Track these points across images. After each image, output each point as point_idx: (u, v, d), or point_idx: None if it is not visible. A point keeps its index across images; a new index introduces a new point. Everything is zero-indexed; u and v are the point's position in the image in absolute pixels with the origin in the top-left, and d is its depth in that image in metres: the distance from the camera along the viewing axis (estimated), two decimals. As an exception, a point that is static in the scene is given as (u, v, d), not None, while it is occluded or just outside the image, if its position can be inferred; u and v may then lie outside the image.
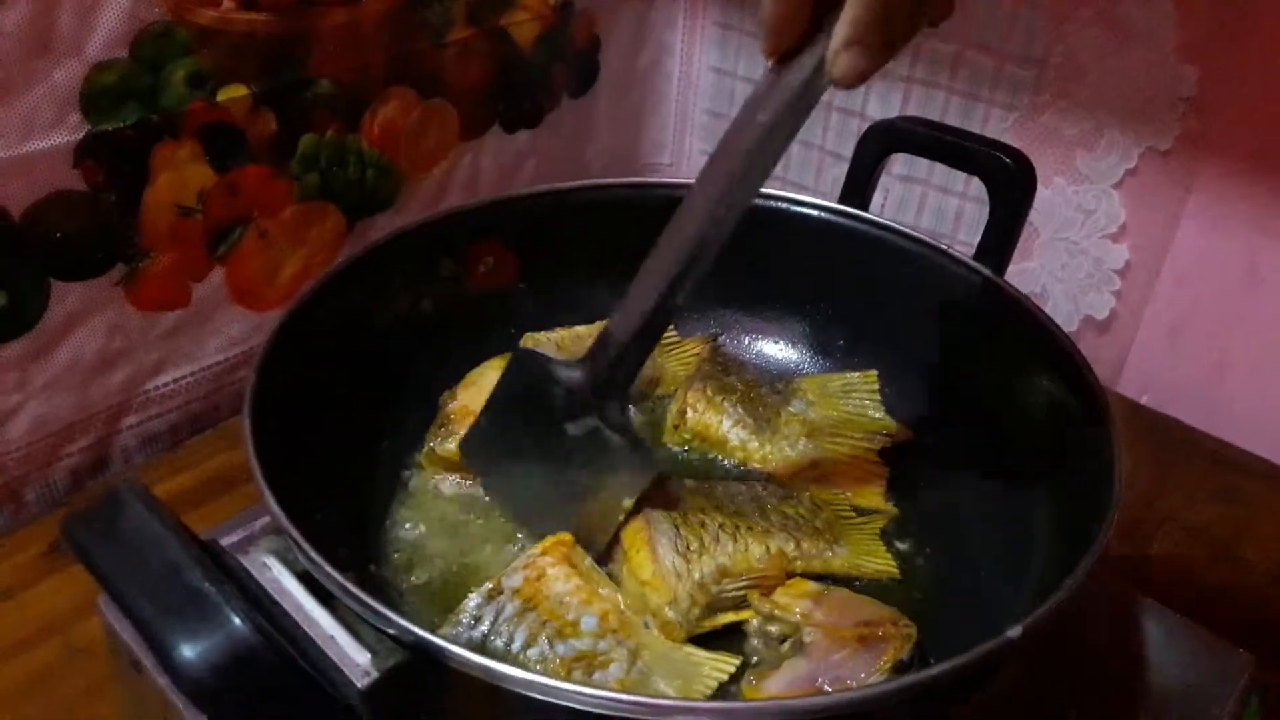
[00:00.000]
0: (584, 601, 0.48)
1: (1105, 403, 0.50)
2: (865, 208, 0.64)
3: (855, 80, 0.41)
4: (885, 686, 0.41)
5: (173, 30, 0.63)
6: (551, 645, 0.46)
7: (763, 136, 0.44)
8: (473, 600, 0.48)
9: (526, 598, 0.48)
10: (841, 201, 0.65)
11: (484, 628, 0.47)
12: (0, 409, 0.64)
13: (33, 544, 0.65)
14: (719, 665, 0.47)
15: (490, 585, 0.49)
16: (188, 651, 0.35)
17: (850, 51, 0.40)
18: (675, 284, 0.48)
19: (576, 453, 0.52)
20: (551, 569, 0.49)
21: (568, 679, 0.45)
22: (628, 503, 0.52)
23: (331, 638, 0.40)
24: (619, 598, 0.49)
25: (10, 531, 0.67)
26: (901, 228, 0.63)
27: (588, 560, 0.51)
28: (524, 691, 0.37)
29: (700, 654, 0.48)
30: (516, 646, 0.46)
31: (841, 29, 0.40)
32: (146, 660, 0.48)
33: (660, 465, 0.54)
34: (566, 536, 0.51)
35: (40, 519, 0.68)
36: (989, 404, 0.58)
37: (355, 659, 0.39)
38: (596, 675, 0.46)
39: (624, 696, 0.37)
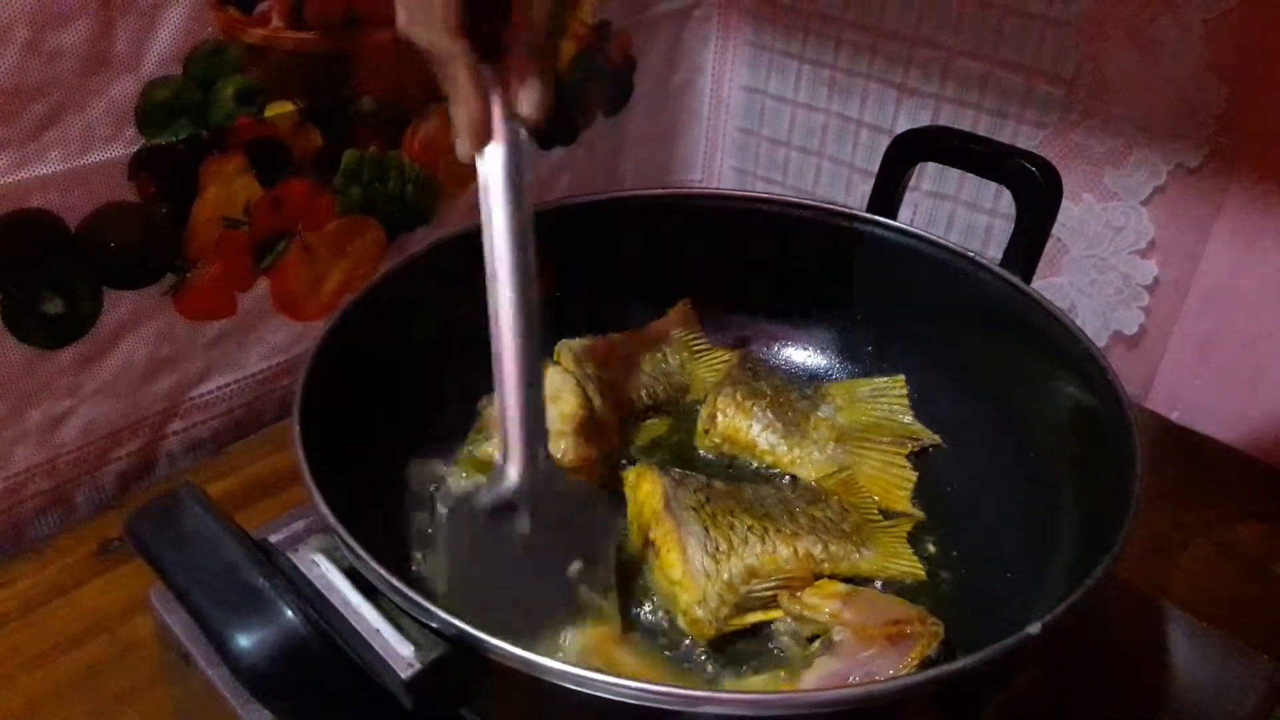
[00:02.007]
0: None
1: (1127, 404, 0.50)
2: (893, 216, 0.65)
3: (539, 109, 0.48)
4: (905, 680, 0.42)
5: (224, 48, 0.65)
6: None
7: (514, 207, 0.50)
8: None
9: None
10: (869, 210, 0.65)
11: None
12: (53, 413, 0.66)
13: (82, 544, 0.67)
14: None
15: None
16: (244, 642, 0.37)
17: (525, 88, 0.48)
18: (527, 361, 0.50)
19: (544, 544, 0.50)
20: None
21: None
22: (610, 549, 0.51)
23: (377, 631, 0.42)
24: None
25: (61, 532, 0.68)
26: (929, 235, 0.63)
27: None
28: (561, 683, 0.38)
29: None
30: None
31: (516, 80, 0.48)
32: (196, 652, 0.50)
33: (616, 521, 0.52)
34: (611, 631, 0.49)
35: (89, 520, 0.69)
36: (1015, 409, 0.59)
37: (399, 651, 0.41)
38: None
39: (657, 687, 0.38)
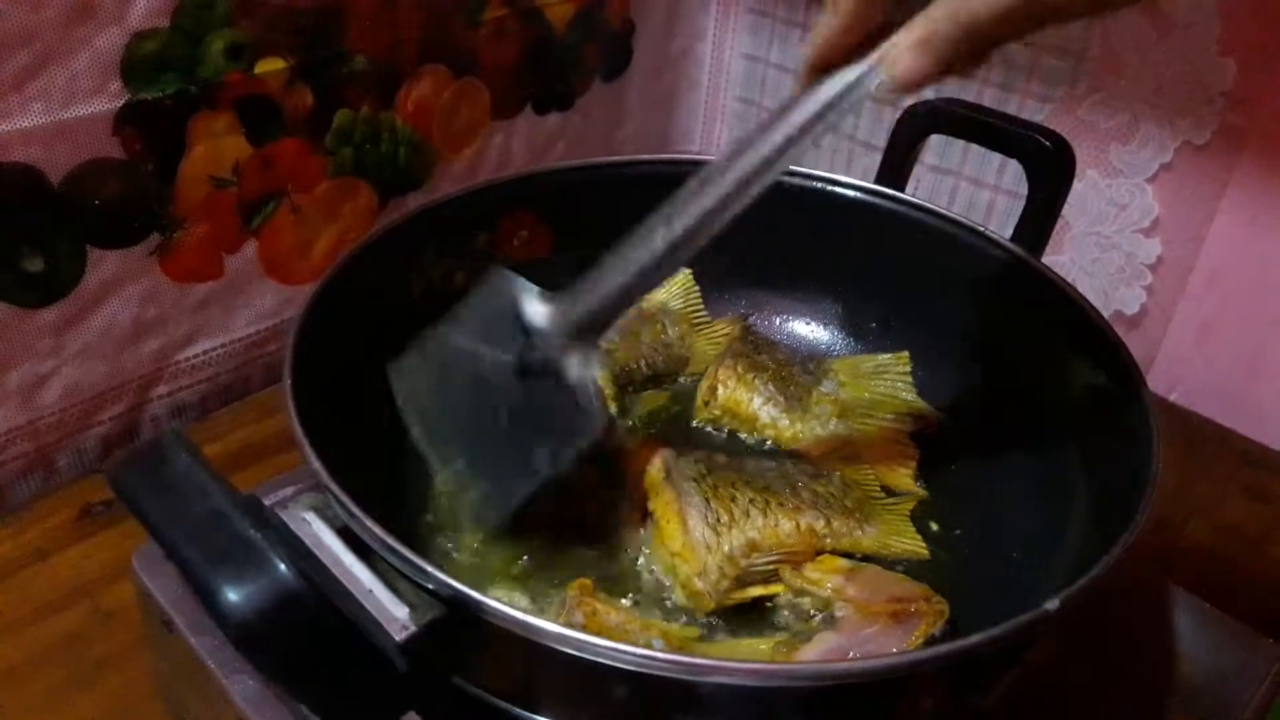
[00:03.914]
0: (643, 628, 0.47)
1: (1140, 379, 0.50)
2: (901, 189, 0.64)
3: (909, 81, 0.40)
4: (919, 655, 0.41)
5: (213, 0, 0.63)
6: None
7: (793, 133, 0.43)
8: None
9: (595, 633, 0.46)
10: (877, 182, 0.64)
11: None
12: (34, 374, 0.65)
13: (64, 509, 0.66)
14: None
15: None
16: (233, 595, 0.35)
17: (915, 51, 0.39)
18: (680, 244, 0.46)
19: (515, 393, 0.48)
20: (600, 605, 0.47)
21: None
22: (546, 472, 0.48)
23: (370, 591, 0.40)
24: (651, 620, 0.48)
25: (42, 496, 0.67)
26: (938, 208, 0.62)
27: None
28: (561, 647, 0.37)
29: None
30: None
31: (915, 29, 0.39)
32: (179, 620, 0.49)
33: (599, 430, 0.48)
34: (586, 582, 0.48)
35: (71, 485, 0.68)
36: (1022, 386, 0.58)
37: (393, 613, 0.39)
38: None
39: (660, 655, 0.37)
